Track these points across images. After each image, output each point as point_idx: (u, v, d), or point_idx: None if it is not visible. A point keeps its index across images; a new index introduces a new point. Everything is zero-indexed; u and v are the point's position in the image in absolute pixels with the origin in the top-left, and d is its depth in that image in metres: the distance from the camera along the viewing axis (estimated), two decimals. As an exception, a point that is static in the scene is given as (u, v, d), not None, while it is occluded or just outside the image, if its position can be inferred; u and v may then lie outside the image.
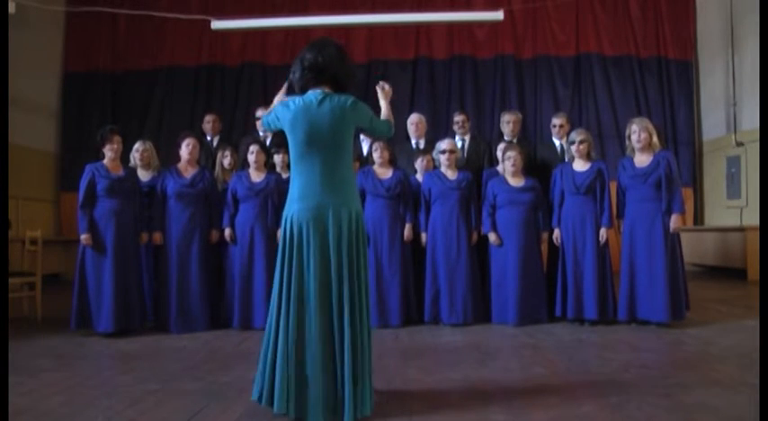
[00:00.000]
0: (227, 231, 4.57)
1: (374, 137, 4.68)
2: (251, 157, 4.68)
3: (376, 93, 2.91)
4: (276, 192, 4.64)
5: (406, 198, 4.68)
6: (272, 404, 2.44)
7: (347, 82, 2.64)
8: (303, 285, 2.48)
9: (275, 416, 2.46)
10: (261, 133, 5.68)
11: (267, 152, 4.83)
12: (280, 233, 4.49)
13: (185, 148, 4.69)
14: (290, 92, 2.79)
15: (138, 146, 4.84)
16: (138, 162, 4.80)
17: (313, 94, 2.57)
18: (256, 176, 4.65)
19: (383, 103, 2.88)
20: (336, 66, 2.59)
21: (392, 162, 4.81)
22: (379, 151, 4.70)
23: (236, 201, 4.62)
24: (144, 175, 4.75)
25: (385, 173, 4.71)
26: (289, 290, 2.48)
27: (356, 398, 2.39)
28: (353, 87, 2.69)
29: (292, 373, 2.41)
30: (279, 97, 2.91)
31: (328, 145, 2.52)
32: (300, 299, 2.47)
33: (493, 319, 4.57)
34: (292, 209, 2.55)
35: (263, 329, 4.32)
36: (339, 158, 2.54)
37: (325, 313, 2.45)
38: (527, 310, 4.49)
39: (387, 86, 2.94)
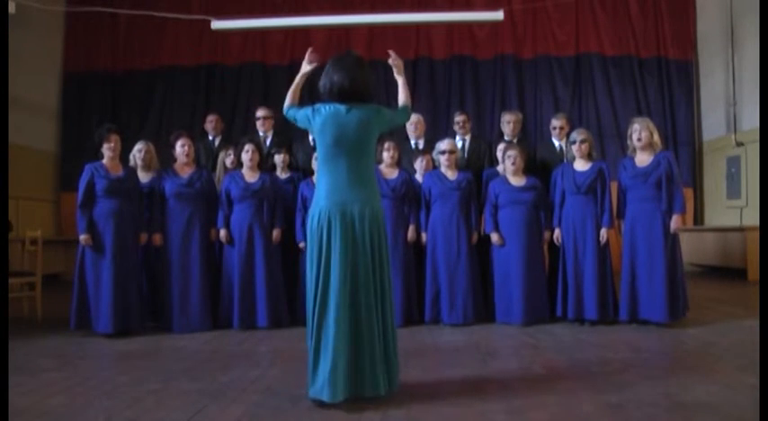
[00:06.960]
0: (223, 232, 4.56)
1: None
2: (245, 157, 4.66)
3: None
4: (271, 192, 4.63)
5: (411, 199, 4.68)
6: (325, 395, 2.55)
7: (370, 98, 2.85)
8: (336, 276, 2.64)
9: (326, 405, 2.54)
10: (261, 133, 5.67)
11: (262, 152, 4.82)
12: (276, 233, 4.58)
13: (181, 149, 4.66)
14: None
15: (139, 146, 4.80)
16: (140, 162, 4.75)
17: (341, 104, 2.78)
18: (250, 176, 4.64)
19: (400, 80, 3.00)
20: (362, 88, 2.80)
21: (398, 163, 4.80)
22: (390, 151, 4.68)
23: (230, 202, 4.61)
24: (144, 177, 4.70)
25: (391, 173, 4.70)
26: (326, 283, 2.64)
27: (390, 374, 2.68)
28: (374, 97, 2.88)
29: (340, 361, 2.57)
30: (300, 76, 3.02)
31: (354, 148, 2.73)
32: (332, 289, 2.63)
33: (497, 319, 4.57)
34: (320, 205, 2.72)
35: (267, 328, 4.40)
36: (363, 160, 2.77)
37: (354, 302, 2.63)
38: (532, 310, 4.49)
39: (397, 59, 3.05)
